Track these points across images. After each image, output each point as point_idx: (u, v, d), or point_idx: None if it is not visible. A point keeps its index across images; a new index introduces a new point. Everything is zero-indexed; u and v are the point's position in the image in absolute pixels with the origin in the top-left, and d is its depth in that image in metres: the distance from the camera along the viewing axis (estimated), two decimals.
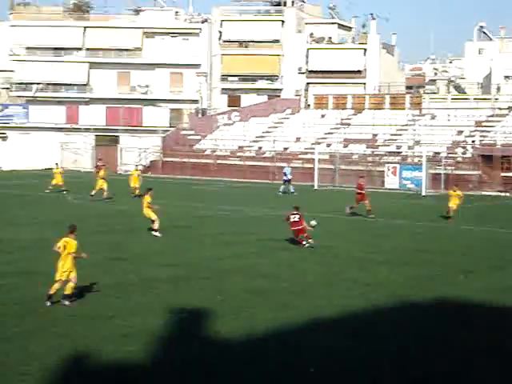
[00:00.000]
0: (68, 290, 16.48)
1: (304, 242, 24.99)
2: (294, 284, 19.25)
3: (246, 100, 78.81)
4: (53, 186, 45.65)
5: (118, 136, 72.37)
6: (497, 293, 18.37)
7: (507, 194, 53.08)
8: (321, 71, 78.19)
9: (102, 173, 44.09)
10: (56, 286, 16.47)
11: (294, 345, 13.84)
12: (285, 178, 50.33)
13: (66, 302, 16.36)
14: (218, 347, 13.75)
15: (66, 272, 16.47)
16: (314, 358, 12.98)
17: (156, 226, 27.45)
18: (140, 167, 56.91)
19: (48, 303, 16.30)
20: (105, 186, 41.83)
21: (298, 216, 25.20)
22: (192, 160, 67.77)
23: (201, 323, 15.33)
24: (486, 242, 27.93)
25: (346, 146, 63.51)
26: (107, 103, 75.21)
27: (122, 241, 26.19)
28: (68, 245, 16.49)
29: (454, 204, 33.90)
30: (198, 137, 72.31)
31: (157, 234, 27.29)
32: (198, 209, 37.48)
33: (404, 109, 68.67)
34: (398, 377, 12.19)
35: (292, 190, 48.71)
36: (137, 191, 42.27)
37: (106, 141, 72.33)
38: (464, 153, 58.84)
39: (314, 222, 25.67)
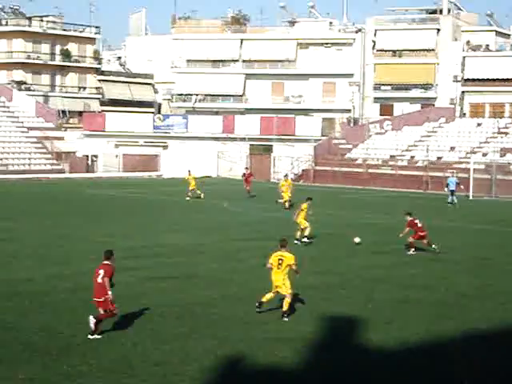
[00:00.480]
0: (285, 306, 16.26)
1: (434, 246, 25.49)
2: (448, 295, 19.04)
3: (399, 109, 77.98)
4: (191, 192, 46.48)
5: (271, 145, 73.64)
6: None
7: None
8: (477, 79, 76.13)
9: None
10: (269, 296, 16.60)
11: (448, 358, 13.76)
12: (449, 188, 48.35)
13: (285, 319, 16.14)
14: (370, 355, 13.88)
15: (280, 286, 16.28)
16: (468, 371, 12.86)
17: (307, 232, 27.80)
18: (291, 176, 57.15)
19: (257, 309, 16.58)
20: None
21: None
22: (343, 169, 67.81)
23: (352, 331, 15.51)
24: None
25: (503, 156, 61.51)
26: (262, 113, 76.73)
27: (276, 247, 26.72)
28: (285, 259, 16.40)
29: None
30: (350, 146, 72.29)
31: (307, 240, 27.64)
32: (349, 217, 37.61)
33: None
34: None
35: (450, 201, 47.23)
36: (286, 204, 40.41)
37: (260, 150, 73.77)
38: None
39: (357, 240, 26.73)
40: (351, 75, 79.98)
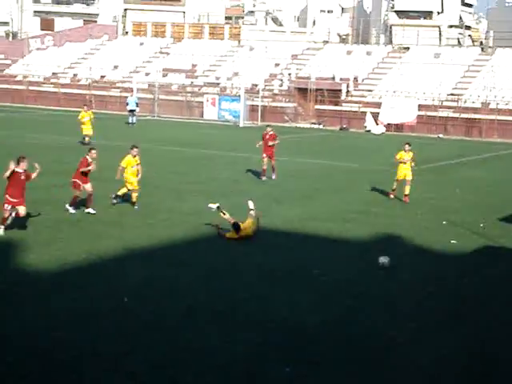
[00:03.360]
0: None
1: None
2: (106, 214, 18.87)
3: (60, 24, 75.39)
4: None
5: None
6: (304, 221, 18.99)
7: (320, 127, 54.93)
8: None
9: None
10: None
11: (113, 274, 13.60)
12: (128, 107, 48.08)
13: None
14: (28, 276, 13.23)
15: None
16: (132, 287, 12.81)
17: None
18: None
19: None
20: None
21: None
22: (3, 86, 64.58)
23: (9, 254, 14.66)
24: (298, 173, 28.75)
25: (165, 76, 62.71)
26: None
27: None
28: None
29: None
30: (9, 61, 68.60)
31: None
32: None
33: (223, 39, 68.68)
34: (210, 306, 12.28)
35: (130, 121, 47.20)
36: None
37: None
38: (281, 85, 59.95)
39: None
40: None
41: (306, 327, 11.28)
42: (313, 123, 55.69)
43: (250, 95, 56.32)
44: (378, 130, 52.19)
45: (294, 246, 16.48)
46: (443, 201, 21.53)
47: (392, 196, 23.16)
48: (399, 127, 52.88)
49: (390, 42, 69.53)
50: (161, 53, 67.28)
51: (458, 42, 74.66)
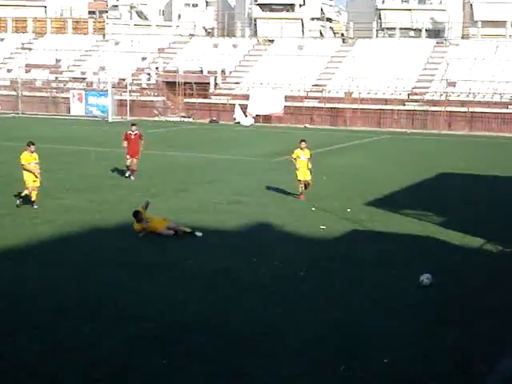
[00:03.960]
0: None
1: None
2: None
3: None
4: None
5: None
6: (180, 212, 19.05)
7: (190, 120, 54.99)
8: None
9: None
10: None
11: None
12: None
13: None
14: None
15: None
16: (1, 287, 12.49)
17: None
18: None
19: None
20: None
21: None
22: None
23: None
24: (170, 166, 28.73)
25: (28, 72, 60.90)
26: None
27: None
28: None
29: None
30: None
31: None
32: None
33: (87, 34, 67.43)
34: (82, 303, 12.13)
35: None
36: None
37: None
38: (148, 79, 59.55)
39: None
40: None
41: (181, 319, 11.34)
42: (182, 116, 55.66)
43: (118, 90, 55.61)
44: (247, 121, 52.82)
45: (167, 239, 16.48)
46: (311, 188, 22.09)
47: (302, 198, 21.45)
48: (267, 118, 53.72)
49: (255, 34, 70.39)
50: (23, 48, 65.25)
51: (321, 33, 76.51)
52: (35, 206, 19.25)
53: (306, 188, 21.67)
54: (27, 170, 19.33)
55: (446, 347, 10.38)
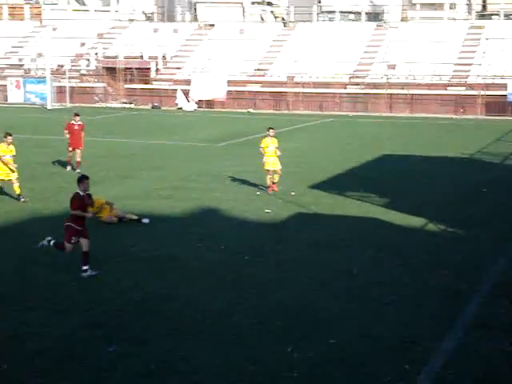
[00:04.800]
0: None
1: None
2: None
3: None
4: None
5: None
6: (125, 199, 18.90)
7: (132, 106, 54.43)
8: None
9: None
10: None
11: None
12: None
13: None
14: None
15: None
16: None
17: None
18: None
19: None
20: None
21: None
22: None
23: None
24: (113, 153, 28.42)
25: None
26: None
27: None
28: None
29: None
30: None
31: None
32: None
33: (24, 19, 66.08)
34: (27, 293, 11.96)
35: None
36: None
37: None
38: (88, 65, 58.67)
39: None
40: None
41: (127, 306, 11.26)
42: (124, 102, 55.06)
43: (57, 76, 54.64)
44: (190, 106, 52.53)
45: (112, 226, 16.33)
46: (255, 173, 22.11)
47: (271, 191, 20.32)
48: (210, 103, 53.50)
49: (196, 19, 69.91)
50: None
51: (261, 18, 76.42)
52: (22, 199, 18.68)
53: (275, 181, 20.46)
54: (2, 162, 18.74)
55: (392, 326, 10.55)
